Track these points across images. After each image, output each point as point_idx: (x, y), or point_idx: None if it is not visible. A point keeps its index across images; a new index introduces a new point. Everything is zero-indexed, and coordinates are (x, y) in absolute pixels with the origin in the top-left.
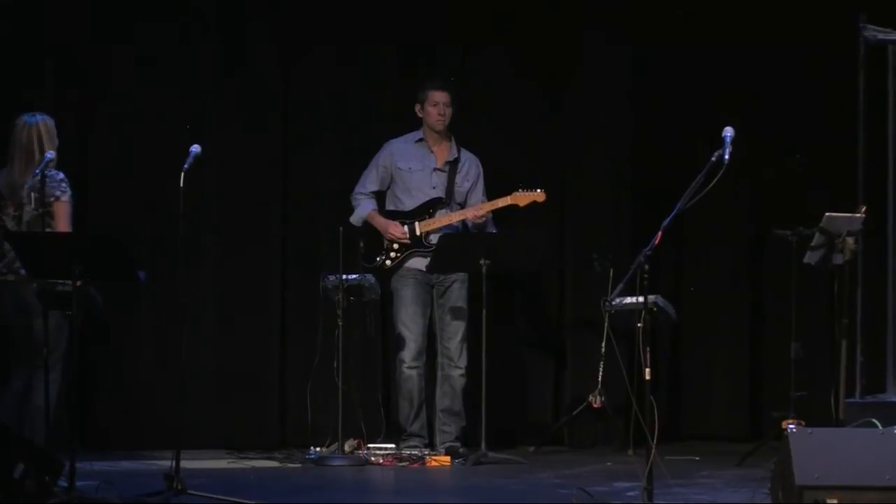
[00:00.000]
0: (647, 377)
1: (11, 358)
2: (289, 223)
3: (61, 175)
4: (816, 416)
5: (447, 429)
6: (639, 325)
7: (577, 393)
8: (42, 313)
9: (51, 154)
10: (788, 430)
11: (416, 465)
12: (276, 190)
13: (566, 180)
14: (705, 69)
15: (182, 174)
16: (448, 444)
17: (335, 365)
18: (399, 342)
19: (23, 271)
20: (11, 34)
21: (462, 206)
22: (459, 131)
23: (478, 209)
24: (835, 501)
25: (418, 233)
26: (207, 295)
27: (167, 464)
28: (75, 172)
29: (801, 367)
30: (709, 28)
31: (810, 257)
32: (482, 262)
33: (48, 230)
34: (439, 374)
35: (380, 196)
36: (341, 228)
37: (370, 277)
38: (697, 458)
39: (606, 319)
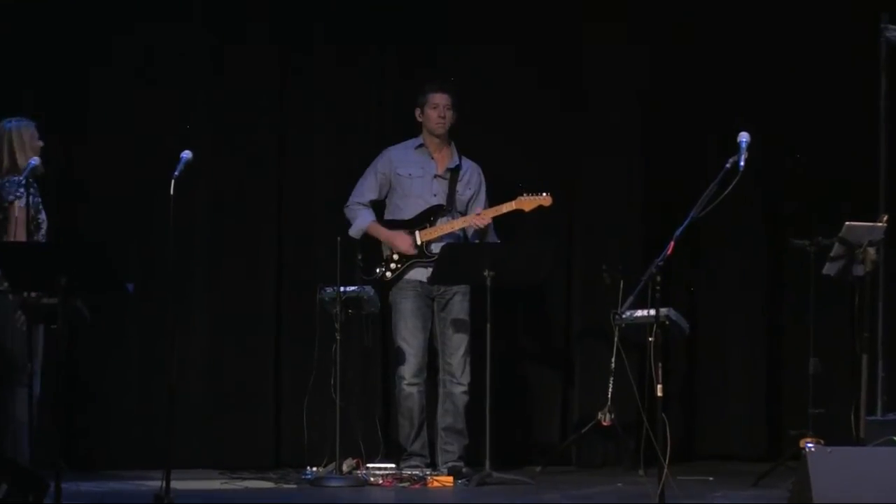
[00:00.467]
0: (659, 394)
1: None
2: (284, 232)
3: (19, 179)
4: (836, 434)
5: (449, 448)
6: (650, 339)
7: (585, 410)
8: (27, 327)
9: (34, 160)
10: (806, 449)
11: (417, 486)
12: (270, 197)
13: (573, 186)
14: (720, 73)
15: (172, 182)
16: (450, 464)
17: (332, 381)
18: (399, 357)
19: None
20: None
21: (463, 215)
22: (460, 135)
23: (482, 215)
24: None
25: (419, 242)
26: (199, 307)
27: (156, 484)
28: (59, 182)
29: (819, 383)
30: (724, 29)
31: (829, 268)
32: (486, 273)
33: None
34: (441, 390)
35: (375, 206)
36: (339, 238)
37: (369, 289)
38: (711, 479)
39: (616, 333)
